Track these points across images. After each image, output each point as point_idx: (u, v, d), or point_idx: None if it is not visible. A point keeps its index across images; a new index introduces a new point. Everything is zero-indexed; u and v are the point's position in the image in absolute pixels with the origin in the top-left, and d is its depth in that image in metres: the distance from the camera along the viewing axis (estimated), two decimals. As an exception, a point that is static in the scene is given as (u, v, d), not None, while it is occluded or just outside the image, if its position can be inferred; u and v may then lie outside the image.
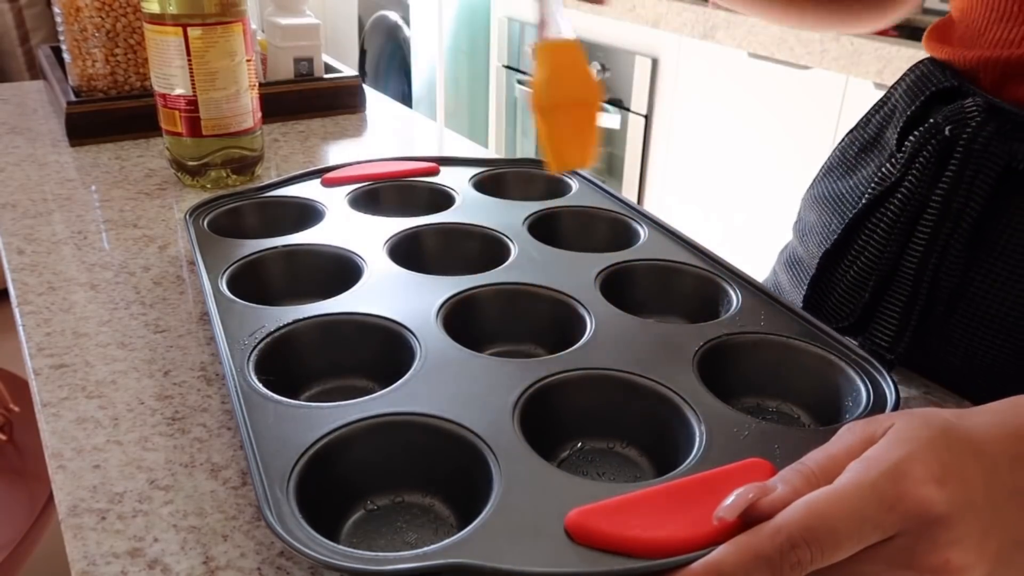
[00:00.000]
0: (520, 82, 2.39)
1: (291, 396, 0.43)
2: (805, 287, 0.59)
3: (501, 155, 1.36)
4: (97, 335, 0.54)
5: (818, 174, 0.65)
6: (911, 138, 0.51)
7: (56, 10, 0.92)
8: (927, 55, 0.57)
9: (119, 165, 0.85)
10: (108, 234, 0.69)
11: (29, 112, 1.03)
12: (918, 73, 0.56)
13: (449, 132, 1.04)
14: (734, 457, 0.38)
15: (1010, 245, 0.48)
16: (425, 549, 0.33)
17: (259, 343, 0.47)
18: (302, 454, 0.38)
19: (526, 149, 2.51)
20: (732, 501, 0.33)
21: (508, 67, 2.45)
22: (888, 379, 0.45)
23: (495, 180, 0.75)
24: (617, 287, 0.55)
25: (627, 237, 0.64)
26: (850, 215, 0.55)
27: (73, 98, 0.91)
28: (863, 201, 0.54)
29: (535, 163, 0.77)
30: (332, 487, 0.39)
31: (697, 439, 0.40)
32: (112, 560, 0.37)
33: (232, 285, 0.54)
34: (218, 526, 0.39)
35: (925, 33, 0.57)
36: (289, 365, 0.48)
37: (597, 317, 0.51)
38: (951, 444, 0.33)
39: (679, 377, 0.45)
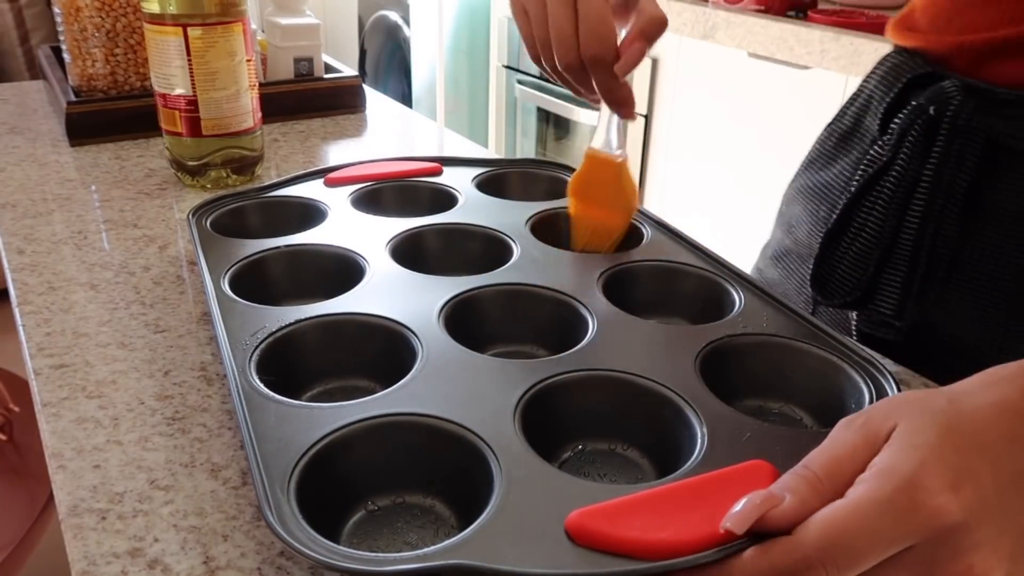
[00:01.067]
0: (520, 82, 2.39)
1: (292, 396, 0.43)
2: (797, 276, 0.61)
3: (501, 155, 1.36)
4: (97, 335, 0.54)
5: (799, 170, 0.68)
6: (897, 120, 0.54)
7: (56, 10, 0.92)
8: (894, 46, 0.59)
9: (119, 165, 0.85)
10: (108, 234, 0.69)
11: (29, 112, 1.03)
12: (890, 64, 0.58)
13: (449, 132, 1.04)
14: (736, 459, 0.38)
15: (997, 212, 0.52)
16: (426, 550, 0.33)
17: (261, 343, 0.47)
18: (303, 454, 0.38)
19: (526, 149, 2.52)
20: (740, 511, 0.32)
21: (508, 67, 2.45)
22: (890, 380, 0.45)
23: (498, 180, 0.75)
24: (619, 288, 0.55)
25: (629, 238, 0.64)
26: (839, 200, 0.59)
27: (73, 98, 0.91)
28: (855, 181, 0.56)
29: (538, 163, 0.77)
30: (333, 487, 0.39)
31: (699, 441, 0.40)
32: (112, 560, 0.37)
33: (234, 285, 0.54)
34: (218, 526, 0.39)
35: (889, 24, 0.60)
36: (291, 365, 0.48)
37: (599, 318, 0.51)
38: (957, 445, 0.33)
39: (681, 378, 0.45)
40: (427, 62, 2.91)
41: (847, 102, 0.63)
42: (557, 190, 0.73)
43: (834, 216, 0.57)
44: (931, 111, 0.52)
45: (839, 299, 0.58)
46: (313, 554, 0.32)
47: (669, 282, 0.58)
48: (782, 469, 0.35)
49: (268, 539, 0.38)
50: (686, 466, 0.39)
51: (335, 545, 0.33)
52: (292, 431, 0.40)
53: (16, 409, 1.17)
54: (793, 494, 0.32)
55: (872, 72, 0.61)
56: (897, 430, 0.34)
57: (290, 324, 0.49)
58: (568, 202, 0.62)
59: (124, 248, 0.67)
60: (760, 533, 0.32)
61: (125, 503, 0.40)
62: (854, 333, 0.59)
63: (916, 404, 0.35)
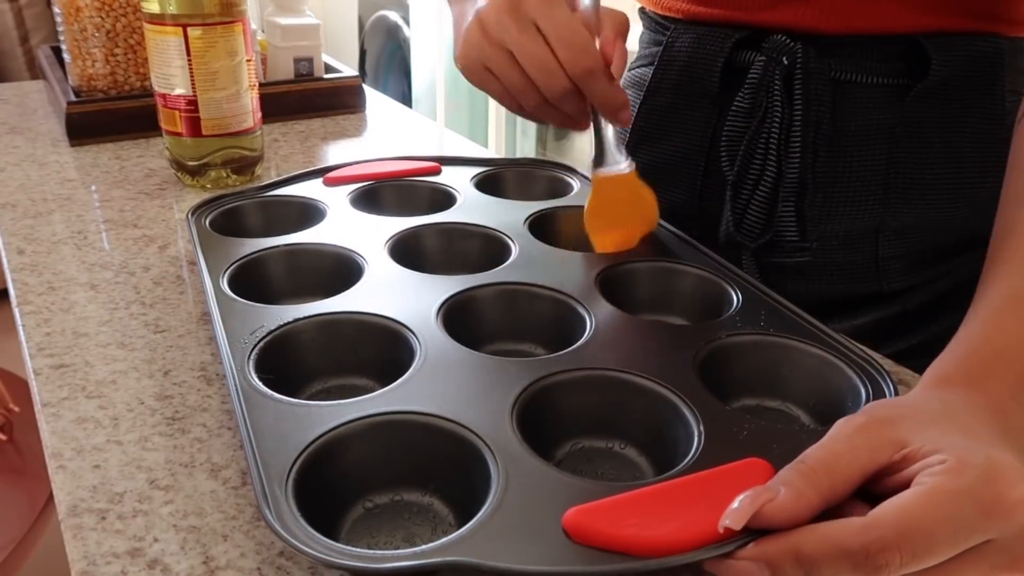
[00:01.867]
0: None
1: (291, 395, 0.43)
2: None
3: (501, 155, 1.36)
4: (97, 335, 0.54)
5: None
6: (753, 74, 0.60)
7: (56, 10, 0.92)
8: (669, 19, 0.67)
9: (119, 165, 0.85)
10: (108, 234, 0.69)
11: (29, 112, 1.03)
12: (694, 35, 0.65)
13: (449, 132, 1.05)
14: (732, 457, 0.38)
15: (845, 130, 0.60)
16: (423, 547, 0.33)
17: (259, 342, 0.47)
18: (301, 452, 0.38)
19: (526, 149, 2.51)
20: (738, 507, 0.32)
21: (508, 67, 2.44)
22: (887, 379, 0.45)
23: (496, 180, 0.75)
24: (617, 287, 0.56)
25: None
26: (700, 160, 0.67)
27: (73, 98, 0.91)
28: (725, 134, 0.62)
29: (536, 163, 0.78)
30: (331, 486, 0.39)
31: (695, 439, 0.40)
32: (112, 560, 0.37)
33: (233, 284, 0.54)
34: (218, 526, 0.39)
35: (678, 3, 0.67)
36: (289, 364, 0.48)
37: (597, 317, 0.51)
38: (991, 441, 0.33)
39: (678, 377, 0.45)
40: (427, 62, 2.91)
41: (653, 79, 0.69)
42: (556, 190, 0.73)
43: (730, 169, 0.63)
44: (784, 61, 0.59)
45: (759, 239, 0.63)
46: (312, 552, 0.33)
47: (667, 281, 0.58)
48: (779, 467, 0.35)
49: (268, 539, 0.38)
50: (683, 464, 0.39)
51: (333, 543, 0.34)
52: (290, 429, 0.40)
53: (16, 409, 1.18)
54: (789, 487, 0.32)
55: (669, 47, 0.67)
56: (929, 434, 0.33)
57: (289, 323, 0.49)
58: (590, 237, 0.60)
59: (124, 248, 0.67)
60: (758, 529, 0.32)
61: (125, 503, 0.40)
62: (744, 267, 0.64)
63: (922, 412, 0.35)
